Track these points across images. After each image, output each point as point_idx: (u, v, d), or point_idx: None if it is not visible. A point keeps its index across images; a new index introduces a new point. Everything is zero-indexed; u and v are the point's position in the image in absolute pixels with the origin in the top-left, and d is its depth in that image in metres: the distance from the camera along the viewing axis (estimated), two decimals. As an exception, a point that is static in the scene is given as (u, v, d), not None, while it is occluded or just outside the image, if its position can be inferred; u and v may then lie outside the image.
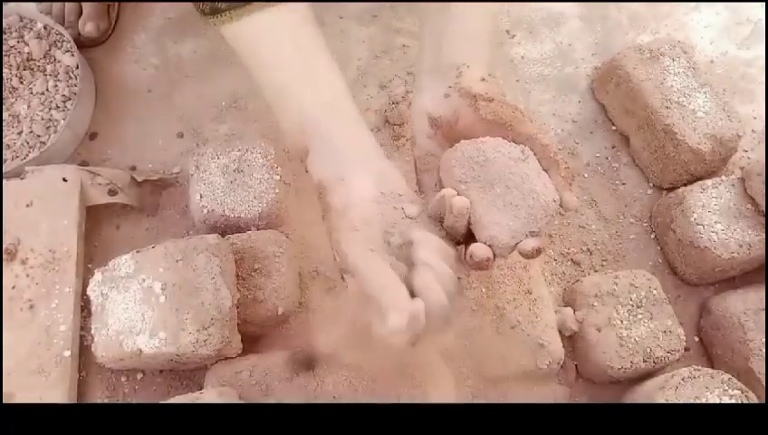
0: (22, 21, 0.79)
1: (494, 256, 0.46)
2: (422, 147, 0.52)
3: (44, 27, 0.79)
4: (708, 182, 0.68)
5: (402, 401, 0.57)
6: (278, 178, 0.68)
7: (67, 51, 0.77)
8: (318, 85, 0.51)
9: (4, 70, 0.76)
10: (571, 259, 0.71)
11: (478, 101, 0.49)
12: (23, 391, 0.59)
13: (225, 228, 0.66)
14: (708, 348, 0.67)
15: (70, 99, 0.75)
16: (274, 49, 0.51)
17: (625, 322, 0.62)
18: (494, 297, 0.63)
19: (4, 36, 0.78)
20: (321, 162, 0.50)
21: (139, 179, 0.72)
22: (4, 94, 0.75)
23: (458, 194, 0.46)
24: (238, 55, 0.52)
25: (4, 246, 0.64)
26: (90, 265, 0.68)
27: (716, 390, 0.56)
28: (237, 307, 0.60)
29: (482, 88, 0.50)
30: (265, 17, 0.50)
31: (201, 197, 0.67)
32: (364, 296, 0.44)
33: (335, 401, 0.58)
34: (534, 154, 0.48)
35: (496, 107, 0.49)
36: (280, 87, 0.51)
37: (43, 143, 0.72)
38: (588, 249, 0.71)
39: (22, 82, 0.76)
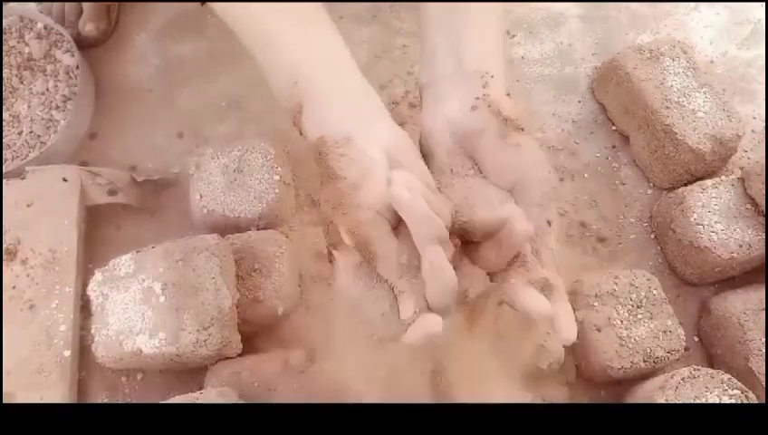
0: (22, 21, 0.79)
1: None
2: (443, 164, 0.46)
3: (44, 27, 0.79)
4: (708, 182, 0.68)
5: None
6: (278, 178, 0.68)
7: (67, 51, 0.77)
8: (313, 35, 0.46)
9: (5, 70, 0.76)
10: (571, 259, 0.71)
11: (509, 125, 0.44)
12: (23, 391, 0.59)
13: (225, 228, 0.66)
14: (708, 348, 0.67)
15: (70, 99, 0.75)
16: (262, 5, 0.46)
17: (625, 322, 0.62)
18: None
19: (4, 36, 0.78)
20: (321, 118, 0.44)
21: (139, 179, 0.72)
22: (5, 94, 0.75)
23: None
24: (228, 23, 0.48)
25: (4, 246, 0.64)
26: (90, 265, 0.68)
27: (716, 390, 0.56)
28: (237, 307, 0.60)
29: (512, 110, 0.45)
30: None
31: (201, 197, 0.67)
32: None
33: (335, 402, 0.58)
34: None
35: (524, 140, 0.44)
36: (269, 40, 0.46)
37: (43, 143, 0.72)
38: (588, 249, 0.71)
39: (22, 82, 0.76)
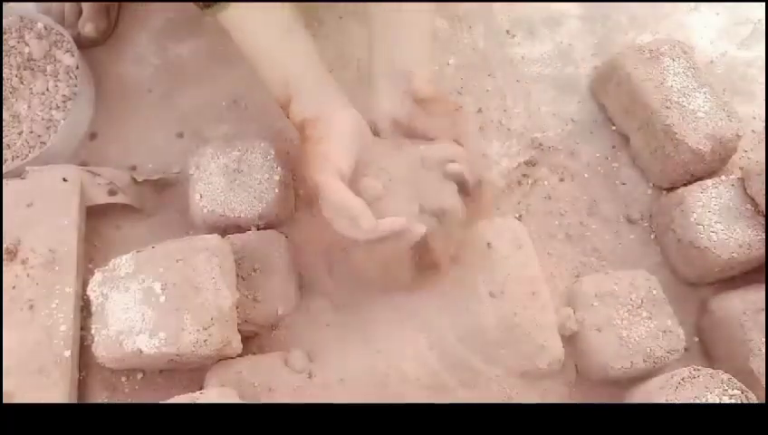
0: (22, 21, 0.79)
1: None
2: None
3: (44, 27, 0.79)
4: (708, 182, 0.68)
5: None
6: (278, 178, 0.68)
7: (67, 51, 0.77)
8: (298, 48, 0.61)
9: (5, 70, 0.76)
10: (571, 259, 0.71)
11: (427, 102, 0.60)
12: (23, 391, 0.59)
13: (225, 228, 0.66)
14: (708, 348, 0.67)
15: (70, 99, 0.75)
16: (262, 22, 0.60)
17: (625, 322, 0.62)
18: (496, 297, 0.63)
19: (4, 36, 0.78)
20: (303, 106, 0.60)
21: (139, 179, 0.72)
22: (5, 94, 0.75)
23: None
24: (233, 34, 0.61)
25: (4, 246, 0.64)
26: (90, 265, 0.68)
27: (716, 390, 0.56)
28: (237, 307, 0.60)
29: (429, 91, 0.60)
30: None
31: (201, 197, 0.67)
32: (334, 212, 0.53)
33: (334, 402, 0.58)
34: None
35: (441, 106, 0.60)
36: (267, 50, 0.61)
37: (44, 143, 0.72)
38: (588, 249, 0.71)
39: (22, 82, 0.76)
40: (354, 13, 0.85)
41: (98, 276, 0.60)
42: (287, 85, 0.61)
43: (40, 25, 0.79)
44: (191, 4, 0.59)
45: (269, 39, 0.61)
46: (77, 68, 0.76)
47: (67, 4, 0.81)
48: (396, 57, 0.61)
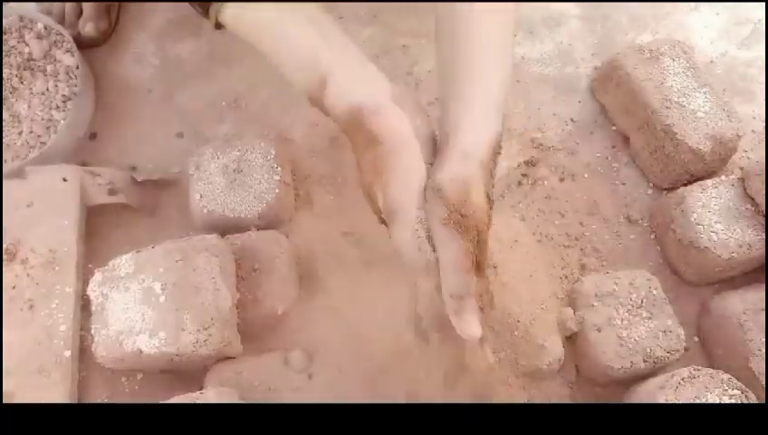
0: (22, 21, 0.79)
1: None
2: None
3: (44, 27, 0.79)
4: (708, 182, 0.68)
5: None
6: (278, 178, 0.68)
7: (67, 51, 0.77)
8: (329, 28, 0.50)
9: (5, 70, 0.76)
10: (571, 259, 0.71)
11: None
12: (23, 391, 0.59)
13: (225, 228, 0.66)
14: (708, 348, 0.67)
15: (70, 99, 0.75)
16: (273, 8, 0.50)
17: (625, 322, 0.62)
18: (497, 296, 0.63)
19: (4, 36, 0.78)
20: (351, 87, 0.47)
21: (139, 179, 0.72)
22: (5, 94, 0.75)
23: None
24: (241, 30, 0.52)
25: (4, 246, 0.64)
26: (90, 265, 0.68)
27: (716, 390, 0.56)
28: (237, 307, 0.60)
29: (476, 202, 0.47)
30: None
31: (201, 197, 0.67)
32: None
33: (334, 402, 0.58)
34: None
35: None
36: (285, 31, 0.49)
37: (43, 143, 0.72)
38: (588, 249, 0.71)
39: (22, 82, 0.76)
40: (354, 13, 0.85)
41: (98, 276, 0.60)
42: (319, 64, 0.48)
43: (40, 25, 0.79)
44: (190, 5, 0.54)
45: (291, 21, 0.50)
46: (77, 68, 0.76)
47: (67, 5, 0.81)
48: (459, 137, 0.48)
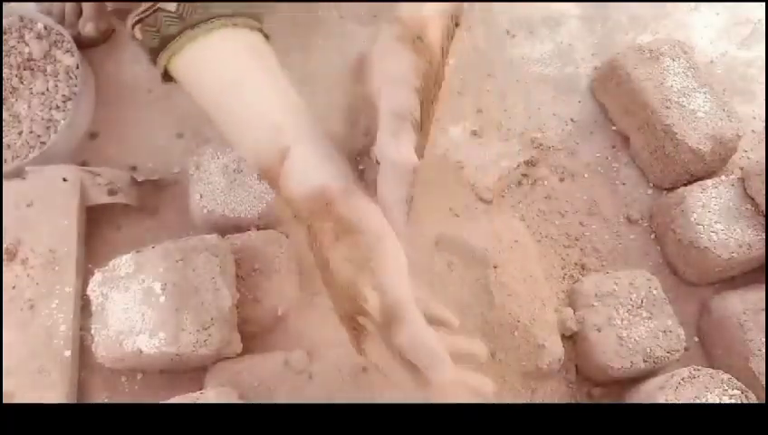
0: (22, 21, 0.79)
1: None
2: None
3: (44, 27, 0.79)
4: (708, 182, 0.68)
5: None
6: (278, 178, 0.68)
7: (67, 51, 0.77)
8: (287, 89, 0.45)
9: (5, 70, 0.76)
10: (571, 259, 0.71)
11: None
12: (23, 391, 0.59)
13: (225, 228, 0.66)
14: (708, 348, 0.67)
15: (70, 99, 0.75)
16: (230, 64, 0.45)
17: (625, 322, 0.62)
18: (497, 297, 0.63)
19: (4, 36, 0.78)
20: (317, 163, 0.41)
21: (139, 179, 0.72)
22: (5, 94, 0.75)
23: None
24: (191, 89, 0.47)
25: (4, 246, 0.64)
26: (90, 265, 0.68)
27: (716, 390, 0.56)
28: (237, 307, 0.60)
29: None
30: (216, 38, 0.45)
31: (201, 197, 0.67)
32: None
33: (334, 402, 0.58)
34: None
35: None
36: (239, 89, 0.44)
37: (43, 143, 0.72)
38: (588, 249, 0.71)
39: (22, 82, 0.76)
40: (354, 13, 0.85)
41: (98, 276, 0.60)
42: (279, 129, 0.42)
43: (40, 25, 0.79)
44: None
45: (245, 71, 0.44)
46: (77, 68, 0.76)
47: (67, 5, 0.81)
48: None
